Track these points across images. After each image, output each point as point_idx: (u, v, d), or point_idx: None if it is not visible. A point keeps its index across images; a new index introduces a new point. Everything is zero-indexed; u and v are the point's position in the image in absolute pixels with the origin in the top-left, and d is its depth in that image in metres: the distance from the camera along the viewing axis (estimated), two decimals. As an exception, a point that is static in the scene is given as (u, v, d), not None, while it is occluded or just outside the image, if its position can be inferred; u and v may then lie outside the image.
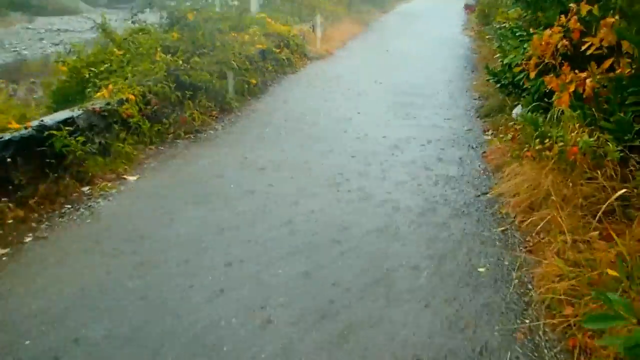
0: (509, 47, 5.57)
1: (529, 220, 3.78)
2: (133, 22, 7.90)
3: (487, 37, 8.40)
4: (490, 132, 6.12)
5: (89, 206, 4.38)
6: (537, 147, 3.92)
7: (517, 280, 3.20)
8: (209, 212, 4.24)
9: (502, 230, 3.84)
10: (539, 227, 3.60)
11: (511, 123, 5.78)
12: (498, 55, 5.85)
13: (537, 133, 4.20)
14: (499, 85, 6.06)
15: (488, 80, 6.21)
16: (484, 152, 5.52)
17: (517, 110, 6.05)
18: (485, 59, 10.04)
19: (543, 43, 4.50)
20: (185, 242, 3.76)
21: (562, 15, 4.46)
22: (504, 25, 5.48)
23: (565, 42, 4.45)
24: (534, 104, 5.22)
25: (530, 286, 3.13)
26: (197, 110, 6.58)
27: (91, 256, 3.58)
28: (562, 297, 2.78)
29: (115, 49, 6.94)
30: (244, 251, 3.61)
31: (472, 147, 5.73)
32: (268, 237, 3.82)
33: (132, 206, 4.39)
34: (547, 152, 3.82)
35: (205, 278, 3.29)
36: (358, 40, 14.53)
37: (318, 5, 14.94)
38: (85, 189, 4.67)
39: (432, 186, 4.75)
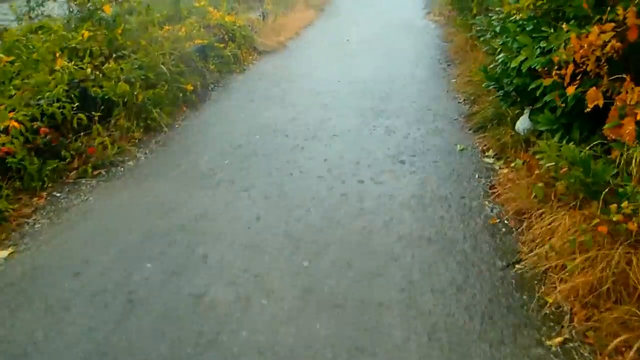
0: (516, 45, 4.24)
1: (598, 324, 2.48)
2: (30, 18, 6.25)
3: (475, 26, 7.06)
4: (491, 152, 4.80)
5: None
6: (614, 218, 2.58)
7: None
8: (107, 316, 2.78)
9: (560, 342, 2.52)
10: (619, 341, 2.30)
11: (524, 146, 4.52)
12: (501, 55, 4.50)
13: (589, 180, 2.89)
14: (500, 92, 4.74)
15: (488, 87, 4.87)
16: (492, 186, 4.19)
17: (523, 123, 4.77)
18: (461, 50, 8.76)
19: (585, 45, 3.17)
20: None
21: (619, 7, 3.13)
22: (512, 17, 4.13)
23: (616, 43, 3.14)
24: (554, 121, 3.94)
25: None
26: (111, 134, 5.03)
27: None
28: None
29: (2, 55, 5.30)
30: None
31: (474, 178, 4.39)
32: None
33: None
34: (631, 225, 2.50)
35: None
36: (313, 28, 13.03)
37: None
38: None
39: (424, 258, 3.40)
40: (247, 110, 6.35)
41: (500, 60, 4.61)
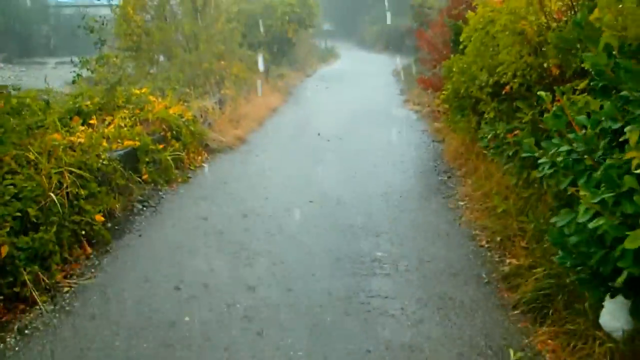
0: (632, 208, 2.44)
1: None
2: None
3: (484, 134, 5.32)
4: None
5: None
6: None
7: None
8: None
9: None
10: None
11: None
12: (587, 217, 2.69)
13: None
14: (583, 273, 2.90)
15: (564, 264, 3.00)
16: None
17: (616, 317, 3.02)
18: (461, 157, 7.08)
19: None
20: None
21: None
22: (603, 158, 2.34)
23: None
24: None
25: None
26: None
27: None
28: None
29: None
30: None
31: None
32: None
33: None
34: None
35: None
36: (279, 117, 11.36)
37: (228, 73, 11.73)
38: None
39: None
40: (181, 253, 4.37)
41: (583, 222, 2.78)
